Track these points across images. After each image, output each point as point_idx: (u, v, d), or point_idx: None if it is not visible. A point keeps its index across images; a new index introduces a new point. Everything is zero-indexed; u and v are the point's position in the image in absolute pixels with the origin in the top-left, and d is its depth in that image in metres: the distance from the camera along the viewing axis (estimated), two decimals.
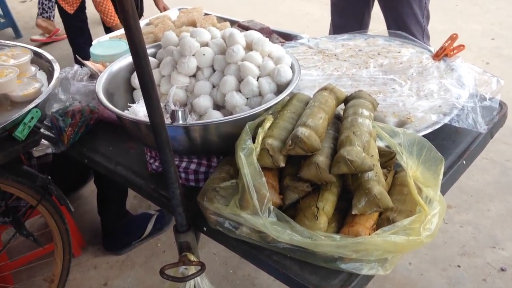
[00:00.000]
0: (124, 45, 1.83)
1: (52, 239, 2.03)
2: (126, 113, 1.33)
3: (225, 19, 2.23)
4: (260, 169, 1.12)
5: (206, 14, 2.25)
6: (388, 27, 2.73)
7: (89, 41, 3.12)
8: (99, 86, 1.39)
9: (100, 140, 1.58)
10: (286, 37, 2.04)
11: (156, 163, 1.37)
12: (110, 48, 1.80)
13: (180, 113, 1.16)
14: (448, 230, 2.61)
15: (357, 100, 1.27)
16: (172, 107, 1.37)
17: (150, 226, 2.52)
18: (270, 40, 1.86)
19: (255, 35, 1.48)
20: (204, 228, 1.25)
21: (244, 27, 2.00)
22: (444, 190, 1.33)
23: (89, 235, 2.69)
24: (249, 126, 1.22)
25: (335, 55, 1.79)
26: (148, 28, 2.18)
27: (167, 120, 1.21)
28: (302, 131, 1.15)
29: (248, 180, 1.11)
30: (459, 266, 2.40)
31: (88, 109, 1.57)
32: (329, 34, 3.00)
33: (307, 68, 1.73)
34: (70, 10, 3.20)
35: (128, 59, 1.56)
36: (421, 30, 2.67)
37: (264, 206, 1.09)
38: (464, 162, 1.38)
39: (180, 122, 1.17)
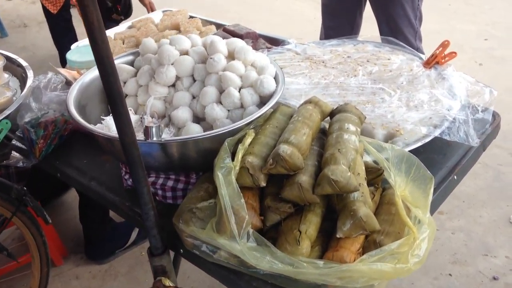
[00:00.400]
0: None
1: None
2: (98, 127, 1.25)
3: (210, 22, 2.16)
4: (239, 190, 1.05)
5: (191, 17, 2.17)
6: (380, 28, 2.67)
7: (74, 41, 3.04)
8: (70, 97, 1.31)
9: (74, 153, 1.50)
10: (273, 42, 1.97)
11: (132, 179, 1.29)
12: (87, 54, 1.72)
13: (154, 129, 1.09)
14: (440, 237, 2.56)
15: (343, 114, 1.20)
16: (148, 120, 1.30)
17: (134, 234, 2.45)
18: (256, 46, 1.80)
19: (238, 43, 1.40)
20: (181, 250, 1.18)
21: (229, 32, 1.93)
22: (434, 207, 1.27)
23: (71, 243, 2.61)
24: (228, 143, 1.15)
25: (323, 62, 1.72)
26: (130, 32, 2.10)
27: (142, 135, 1.14)
28: (284, 148, 1.08)
29: (226, 202, 1.04)
30: (450, 274, 2.35)
31: (62, 120, 1.49)
32: (320, 35, 2.93)
33: (294, 76, 1.66)
34: (53, 10, 3.12)
35: None
36: (413, 32, 2.61)
37: (243, 230, 1.03)
38: (455, 177, 1.32)
39: (154, 139, 1.10)
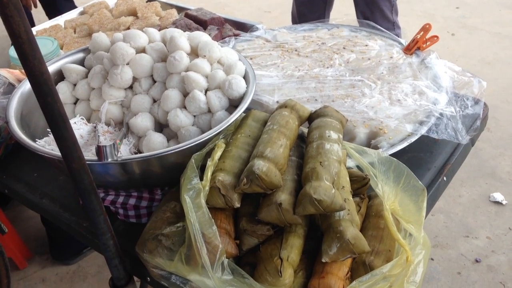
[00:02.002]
0: (50, 44, 1.55)
1: None
2: (43, 142, 1.09)
3: (171, 6, 1.97)
4: (210, 216, 0.92)
5: (149, 1, 1.98)
6: (355, 2, 2.53)
7: None
8: (11, 105, 1.14)
9: (23, 165, 1.33)
10: (241, 27, 1.81)
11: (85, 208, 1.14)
12: None
13: (107, 148, 0.94)
14: None
15: (322, 119, 1.07)
16: (104, 129, 1.15)
17: None
18: (222, 33, 1.64)
19: (202, 37, 1.24)
20: (148, 278, 1.05)
21: (192, 17, 1.76)
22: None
23: (35, 243, 2.46)
24: (195, 159, 1.01)
25: (296, 50, 1.58)
26: (82, 19, 1.89)
27: (95, 148, 0.98)
28: (259, 165, 0.95)
29: (196, 230, 0.91)
30: (432, 259, 2.30)
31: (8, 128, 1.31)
32: (292, 12, 2.78)
33: (265, 67, 1.51)
34: None
35: (52, 66, 1.30)
36: (389, 5, 2.50)
37: (217, 262, 0.90)
38: (445, 178, 1.21)
39: (109, 159, 0.95)
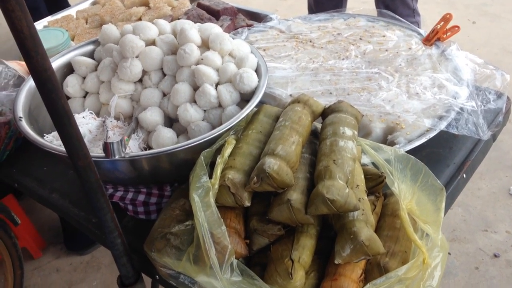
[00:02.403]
0: (61, 36, 1.53)
1: None
2: (51, 137, 1.07)
3: None
4: (219, 215, 0.89)
5: None
6: None
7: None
8: (19, 99, 1.12)
9: (32, 159, 1.32)
10: (255, 17, 1.77)
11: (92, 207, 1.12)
12: (43, 40, 1.49)
13: (115, 145, 0.92)
14: None
15: (337, 114, 1.03)
16: (113, 124, 1.12)
17: None
18: (235, 23, 1.60)
19: (213, 29, 1.21)
20: (157, 277, 1.03)
21: (204, 7, 1.72)
22: None
23: (49, 234, 2.48)
24: (205, 156, 0.98)
25: (311, 41, 1.53)
26: (94, 9, 1.87)
27: (102, 144, 0.95)
28: (270, 163, 0.91)
29: (204, 230, 0.88)
30: (449, 253, 2.25)
31: None
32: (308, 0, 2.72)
33: (278, 59, 1.47)
34: None
35: (62, 59, 1.28)
36: None
37: (225, 263, 0.87)
38: (464, 176, 1.17)
39: (116, 156, 0.92)
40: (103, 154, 0.95)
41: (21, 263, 1.89)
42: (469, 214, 2.43)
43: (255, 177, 0.92)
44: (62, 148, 0.98)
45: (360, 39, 1.51)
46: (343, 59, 1.44)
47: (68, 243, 2.35)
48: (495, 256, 2.22)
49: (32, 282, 2.28)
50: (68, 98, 1.26)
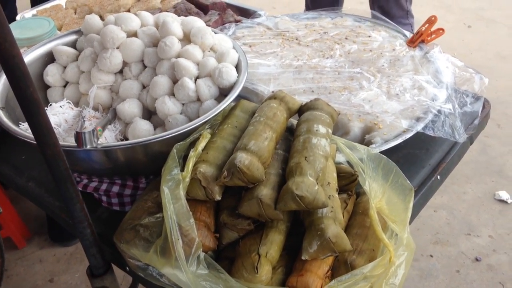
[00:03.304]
0: (47, 25, 1.53)
1: None
2: (26, 125, 1.07)
3: None
4: (188, 208, 0.90)
5: None
6: None
7: (12, 16, 2.51)
8: None
9: (12, 146, 1.32)
10: (244, 13, 1.77)
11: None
12: (29, 29, 1.50)
13: (87, 135, 0.92)
14: (421, 215, 2.47)
15: (312, 112, 1.04)
16: (90, 114, 1.13)
17: None
18: (223, 18, 1.60)
19: (196, 23, 1.21)
20: (127, 268, 1.03)
21: (193, 1, 1.72)
22: (413, 216, 1.13)
23: (35, 224, 2.48)
24: (178, 149, 0.98)
25: (297, 39, 1.54)
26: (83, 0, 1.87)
27: (74, 134, 0.95)
28: (241, 158, 0.92)
29: (172, 222, 0.88)
30: (431, 256, 2.27)
31: None
32: None
33: (263, 56, 1.47)
34: None
35: (43, 48, 1.28)
36: None
37: (192, 256, 0.88)
38: (438, 177, 1.18)
39: (88, 146, 0.93)
40: (75, 144, 0.95)
41: (2, 251, 1.89)
42: (453, 218, 2.45)
43: (226, 171, 0.92)
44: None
45: (346, 38, 1.52)
46: (327, 58, 1.44)
47: (52, 234, 2.35)
48: (477, 260, 2.23)
49: (15, 272, 2.28)
50: (49, 87, 1.26)
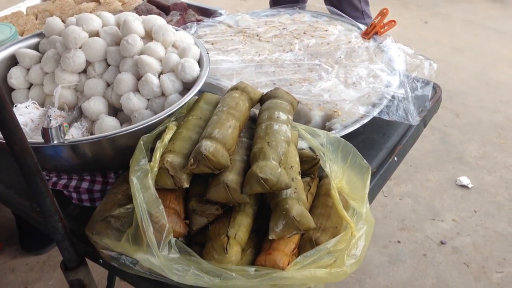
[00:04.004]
0: (8, 30, 1.54)
1: None
2: None
3: None
4: (157, 196, 0.93)
5: None
6: None
7: None
8: None
9: None
10: (205, 13, 1.81)
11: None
12: None
13: (53, 130, 0.94)
14: (388, 204, 2.56)
15: (273, 100, 1.09)
16: (56, 114, 1.15)
17: None
18: (185, 18, 1.64)
19: (156, 21, 1.24)
20: (101, 260, 1.06)
21: (154, 3, 1.75)
22: (373, 194, 1.20)
23: (5, 234, 2.45)
24: (145, 140, 1.01)
25: (257, 35, 1.59)
26: (44, 5, 1.87)
27: (41, 130, 0.97)
28: (206, 145, 0.96)
29: (142, 210, 0.92)
30: (399, 241, 2.35)
31: None
32: None
33: (226, 52, 1.52)
34: None
35: (6, 51, 1.29)
36: None
37: (163, 241, 0.91)
38: (395, 159, 1.24)
39: (55, 142, 0.95)
40: (43, 140, 0.97)
41: None
42: (418, 204, 2.54)
43: (192, 159, 0.96)
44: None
45: (304, 33, 1.58)
46: (287, 52, 1.50)
47: (24, 243, 2.33)
48: (442, 243, 2.32)
49: None
50: (13, 89, 1.27)
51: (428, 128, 2.98)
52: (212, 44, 1.57)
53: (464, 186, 2.61)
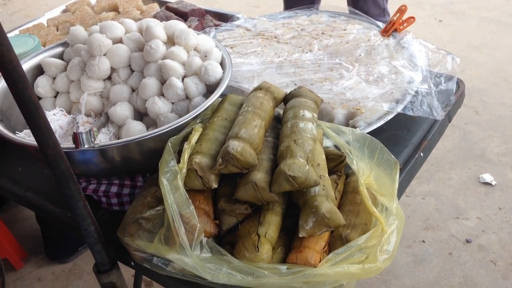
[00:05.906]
0: (32, 42, 1.57)
1: None
2: (22, 134, 1.10)
3: (152, 0, 1.99)
4: (187, 196, 0.94)
5: None
6: None
7: None
8: None
9: (7, 160, 1.34)
10: (222, 18, 1.83)
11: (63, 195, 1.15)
12: (14, 46, 1.52)
13: (84, 135, 0.96)
14: (411, 204, 2.53)
15: (297, 99, 1.09)
16: (83, 120, 1.16)
17: None
18: (203, 24, 1.65)
19: (178, 26, 1.26)
20: (132, 263, 1.07)
21: (172, 10, 1.77)
22: (401, 190, 1.19)
23: (31, 244, 2.48)
24: (172, 142, 1.02)
25: (276, 37, 1.60)
26: (64, 17, 1.91)
27: (72, 135, 0.99)
28: (233, 145, 0.97)
29: (173, 210, 0.92)
30: (423, 241, 2.33)
31: None
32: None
33: (245, 55, 1.53)
34: None
35: (32, 61, 1.32)
36: None
37: (195, 241, 0.92)
38: (421, 154, 1.23)
39: (86, 146, 0.96)
40: (74, 146, 0.98)
41: (2, 271, 1.90)
42: (441, 203, 2.51)
43: (220, 159, 0.97)
44: (30, 141, 1.02)
45: (322, 33, 1.58)
46: (306, 52, 1.50)
47: (49, 252, 2.36)
48: (467, 241, 2.29)
49: None
50: (40, 98, 1.30)
51: (449, 127, 2.96)
52: (231, 47, 1.58)
53: (488, 183, 2.57)
